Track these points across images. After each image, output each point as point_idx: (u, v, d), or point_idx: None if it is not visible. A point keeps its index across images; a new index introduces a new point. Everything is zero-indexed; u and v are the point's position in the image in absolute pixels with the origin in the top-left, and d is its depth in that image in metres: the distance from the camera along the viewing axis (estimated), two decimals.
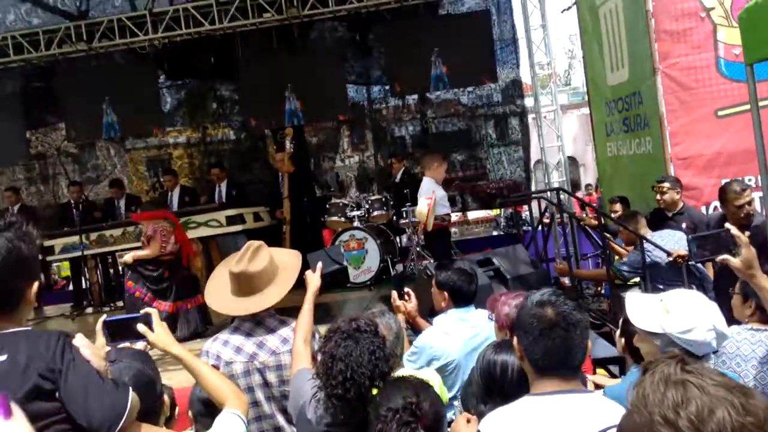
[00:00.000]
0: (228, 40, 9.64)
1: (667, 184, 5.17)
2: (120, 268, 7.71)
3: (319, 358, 2.02)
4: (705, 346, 1.97)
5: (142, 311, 1.96)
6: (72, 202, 8.95)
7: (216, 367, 2.57)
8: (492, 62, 9.31)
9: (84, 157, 10.95)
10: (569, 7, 9.03)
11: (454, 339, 2.96)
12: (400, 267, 7.66)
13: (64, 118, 10.41)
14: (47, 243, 7.95)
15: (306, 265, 2.82)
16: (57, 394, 1.47)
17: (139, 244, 7.00)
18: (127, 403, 1.53)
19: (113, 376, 1.64)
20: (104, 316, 1.86)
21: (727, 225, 2.60)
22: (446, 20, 9.80)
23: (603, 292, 6.40)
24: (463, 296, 3.11)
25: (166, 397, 2.02)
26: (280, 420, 2.60)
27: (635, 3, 6.06)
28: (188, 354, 1.99)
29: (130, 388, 1.58)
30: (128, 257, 5.92)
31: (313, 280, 2.70)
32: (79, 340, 1.59)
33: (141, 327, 1.88)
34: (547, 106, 9.32)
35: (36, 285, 1.64)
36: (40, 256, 1.91)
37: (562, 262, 6.21)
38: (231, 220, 7.49)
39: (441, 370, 2.91)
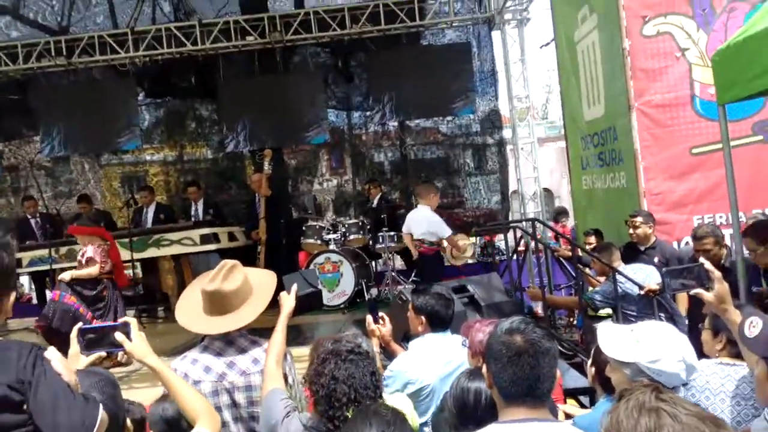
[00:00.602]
0: (210, 60, 9.67)
1: (639, 219, 5.25)
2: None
3: (318, 380, 2.01)
4: (674, 378, 1.98)
5: (120, 320, 1.92)
6: (28, 216, 8.87)
7: None
8: (471, 94, 9.47)
9: (57, 171, 10.79)
10: (548, 43, 9.24)
11: (430, 363, 2.94)
12: (374, 291, 7.64)
13: (38, 131, 10.28)
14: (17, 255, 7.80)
15: (281, 287, 2.79)
16: (25, 407, 1.43)
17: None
18: (97, 419, 1.49)
19: (83, 391, 1.60)
20: (80, 324, 1.82)
21: (701, 259, 2.64)
22: (428, 50, 9.95)
23: (575, 323, 6.44)
24: (441, 320, 3.10)
25: (129, 422, 1.96)
26: None
27: (612, 41, 6.21)
28: (164, 366, 1.97)
29: (101, 405, 1.54)
30: (66, 275, 5.84)
31: (288, 301, 2.69)
32: (51, 353, 1.56)
33: (119, 336, 1.85)
34: (524, 138, 9.46)
35: (13, 295, 1.61)
36: None
37: (535, 287, 6.26)
38: (205, 239, 7.43)
39: (415, 394, 2.89)
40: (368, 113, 10.15)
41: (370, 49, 9.63)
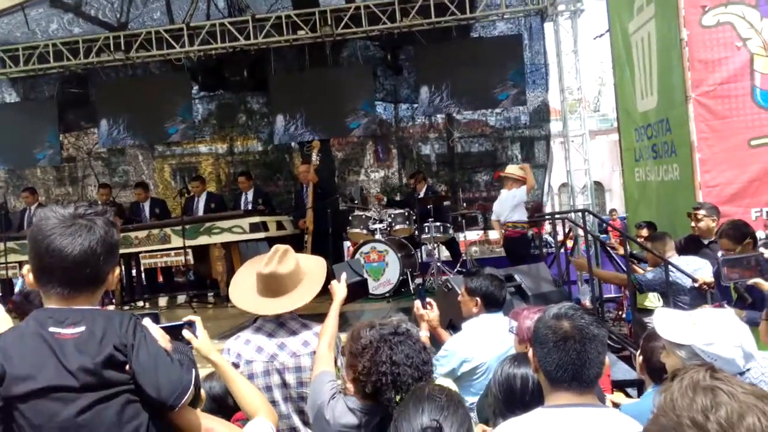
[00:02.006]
0: (261, 54, 9.83)
1: (703, 212, 4.98)
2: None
3: (379, 369, 1.99)
4: (730, 364, 1.94)
5: (184, 318, 2.02)
6: (100, 203, 9.13)
7: (236, 365, 2.60)
8: (522, 86, 9.36)
9: (114, 162, 11.17)
10: (602, 34, 9.04)
11: (486, 342, 2.98)
12: (419, 281, 7.65)
13: (97, 123, 10.66)
14: None
15: (330, 275, 2.86)
16: (128, 367, 1.56)
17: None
18: (191, 381, 1.63)
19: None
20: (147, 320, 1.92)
21: (761, 249, 2.57)
22: (478, 43, 9.88)
23: (624, 316, 6.31)
24: (495, 301, 3.19)
25: (202, 391, 2.06)
26: (296, 421, 2.60)
27: (669, 31, 6.05)
28: (226, 362, 2.08)
29: (193, 369, 1.67)
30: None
31: (339, 289, 2.78)
32: (147, 322, 1.71)
33: (187, 333, 1.95)
34: (575, 130, 9.29)
35: (117, 270, 1.73)
36: None
37: (582, 256, 6.16)
38: (254, 228, 7.57)
39: (471, 372, 2.96)
40: (415, 106, 10.16)
41: (420, 42, 9.61)
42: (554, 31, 9.31)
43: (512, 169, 7.47)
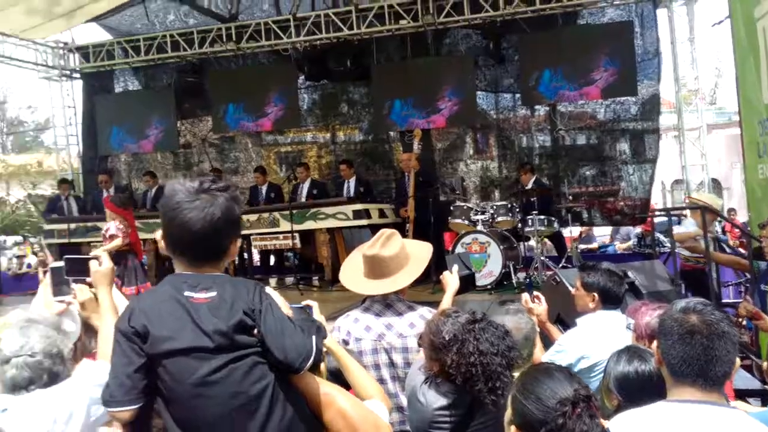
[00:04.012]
0: (364, 44, 9.97)
1: None
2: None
3: (469, 360, 2.03)
4: None
5: (303, 303, 2.11)
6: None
7: (346, 342, 2.71)
8: (632, 76, 8.94)
9: (226, 149, 11.73)
10: (721, 21, 8.45)
11: (604, 340, 2.91)
12: (522, 275, 7.51)
13: (210, 110, 11.22)
14: None
15: (432, 261, 2.91)
16: (256, 330, 1.68)
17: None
18: (313, 346, 1.71)
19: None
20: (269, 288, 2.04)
21: None
22: (585, 30, 9.52)
23: (745, 324, 5.91)
24: (614, 297, 3.11)
25: (323, 365, 2.15)
26: (403, 400, 2.66)
27: None
28: (341, 349, 2.18)
29: (314, 336, 1.75)
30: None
31: (452, 280, 2.86)
32: (269, 290, 1.82)
33: None
34: (690, 123, 8.77)
35: (238, 242, 1.85)
36: None
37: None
38: (357, 215, 7.76)
39: (589, 369, 2.91)
40: (517, 96, 9.95)
41: (523, 29, 9.39)
42: (668, 17, 8.83)
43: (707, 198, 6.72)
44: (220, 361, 1.62)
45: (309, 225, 8.03)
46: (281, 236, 8.24)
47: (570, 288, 3.55)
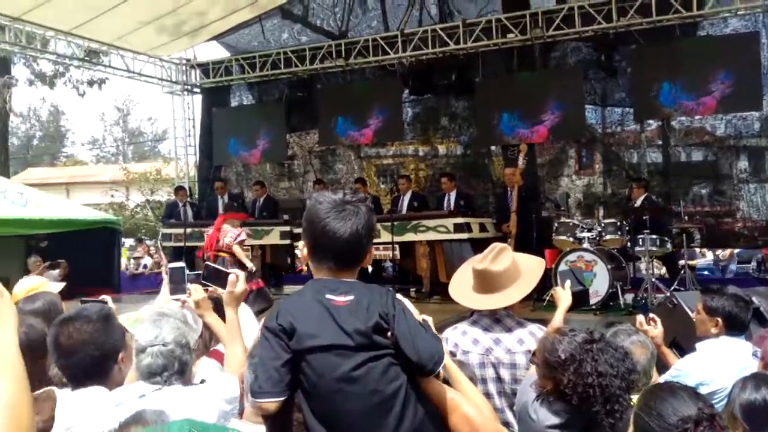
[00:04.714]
0: (470, 58, 9.99)
1: None
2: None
3: (586, 381, 2.00)
4: None
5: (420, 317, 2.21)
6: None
7: (453, 353, 2.72)
8: (757, 89, 8.40)
9: (329, 161, 12.11)
10: None
11: (726, 367, 2.78)
12: (629, 296, 7.20)
13: (317, 123, 11.63)
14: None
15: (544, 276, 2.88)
16: (390, 333, 1.78)
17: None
18: (443, 350, 1.81)
19: None
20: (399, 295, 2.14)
21: None
22: (705, 42, 9.06)
23: None
24: (739, 324, 2.98)
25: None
26: (509, 416, 2.65)
27: None
28: (450, 360, 2.18)
29: (442, 341, 1.86)
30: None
31: (565, 296, 2.82)
32: (400, 296, 1.91)
33: None
34: None
35: (373, 249, 1.98)
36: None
37: None
38: (458, 228, 7.78)
39: (709, 396, 2.75)
40: (627, 110, 9.60)
41: (638, 41, 9.06)
42: None
43: None
44: (359, 359, 1.72)
45: (409, 237, 8.14)
46: (381, 247, 8.39)
47: (689, 312, 3.39)
